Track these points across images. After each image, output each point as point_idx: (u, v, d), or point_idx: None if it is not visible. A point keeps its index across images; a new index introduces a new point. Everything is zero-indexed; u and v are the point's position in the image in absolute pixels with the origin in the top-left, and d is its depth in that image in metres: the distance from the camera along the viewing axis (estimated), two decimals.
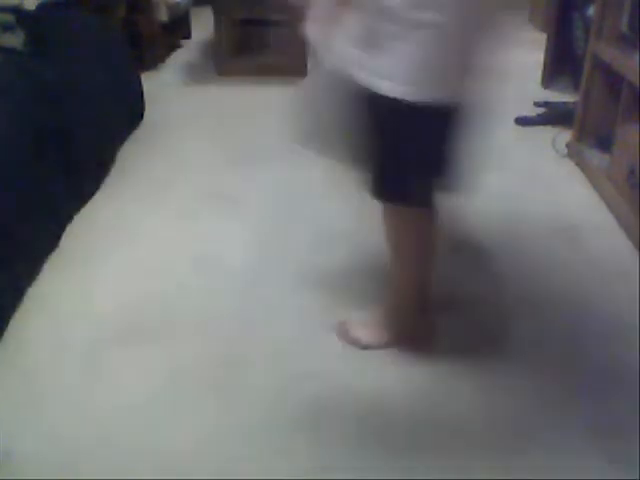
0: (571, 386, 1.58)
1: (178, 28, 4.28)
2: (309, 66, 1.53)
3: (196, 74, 3.80)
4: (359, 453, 1.39)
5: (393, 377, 1.59)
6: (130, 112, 2.90)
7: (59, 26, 2.45)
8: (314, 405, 1.52)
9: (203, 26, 4.40)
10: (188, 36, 4.48)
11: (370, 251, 2.03)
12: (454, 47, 1.29)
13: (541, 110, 3.10)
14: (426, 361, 1.64)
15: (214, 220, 2.25)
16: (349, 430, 1.45)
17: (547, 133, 2.88)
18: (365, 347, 1.67)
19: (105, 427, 1.45)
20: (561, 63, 3.43)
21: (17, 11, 2.31)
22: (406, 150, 1.39)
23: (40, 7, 2.46)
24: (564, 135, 2.79)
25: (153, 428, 1.46)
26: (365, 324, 1.71)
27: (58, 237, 2.08)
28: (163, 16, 3.84)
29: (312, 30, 1.40)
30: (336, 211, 2.26)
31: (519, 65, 3.68)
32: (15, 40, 2.19)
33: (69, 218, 2.18)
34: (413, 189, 1.44)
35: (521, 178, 2.54)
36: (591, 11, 2.81)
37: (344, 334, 1.70)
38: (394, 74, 1.30)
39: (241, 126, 3.05)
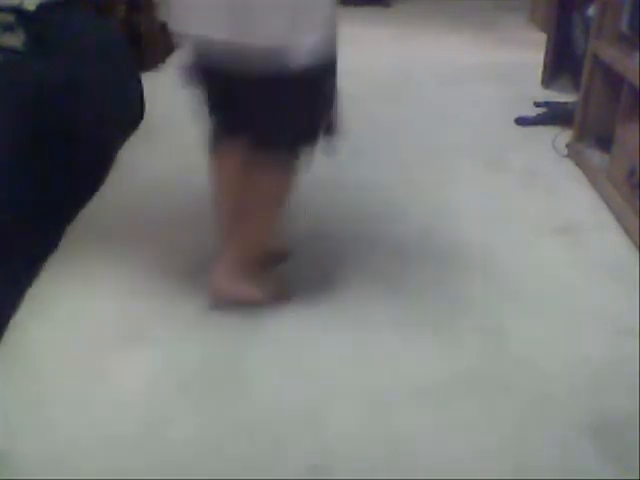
0: (570, 385, 1.58)
1: None
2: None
3: None
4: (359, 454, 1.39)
5: None
6: (130, 112, 2.89)
7: (59, 26, 2.45)
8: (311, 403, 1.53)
9: None
10: None
11: None
12: None
13: (541, 110, 3.10)
14: None
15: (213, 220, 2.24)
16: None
17: (547, 133, 2.88)
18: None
19: (105, 427, 1.46)
20: (561, 63, 3.43)
21: (17, 11, 2.31)
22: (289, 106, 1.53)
23: (40, 7, 2.46)
24: (564, 135, 2.79)
25: (153, 428, 1.46)
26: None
27: (58, 237, 2.08)
28: (163, 16, 3.83)
29: None
30: (334, 205, 2.26)
31: (519, 65, 3.69)
32: (15, 40, 2.19)
33: (69, 218, 2.18)
34: (297, 139, 1.59)
35: (521, 178, 2.54)
36: (591, 11, 2.81)
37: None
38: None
39: None
